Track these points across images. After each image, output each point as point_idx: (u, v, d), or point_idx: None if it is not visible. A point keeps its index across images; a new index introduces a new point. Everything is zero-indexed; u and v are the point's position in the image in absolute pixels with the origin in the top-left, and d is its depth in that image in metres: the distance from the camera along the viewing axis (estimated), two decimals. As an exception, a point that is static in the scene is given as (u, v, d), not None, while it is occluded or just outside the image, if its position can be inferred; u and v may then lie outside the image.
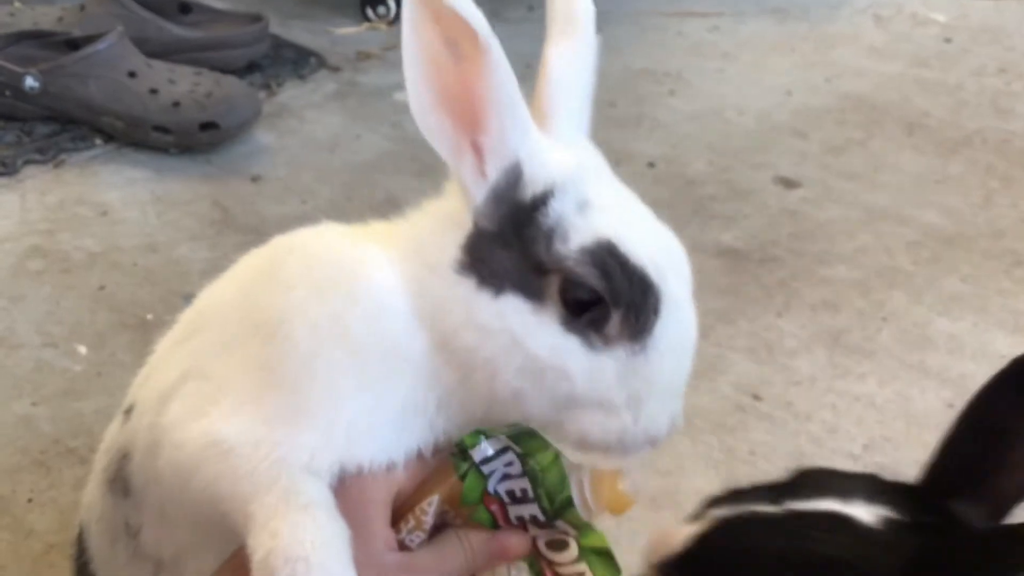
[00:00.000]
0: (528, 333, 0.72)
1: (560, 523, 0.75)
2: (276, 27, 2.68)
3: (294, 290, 0.76)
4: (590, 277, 0.71)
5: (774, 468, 1.47)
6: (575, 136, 0.79)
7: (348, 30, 2.86)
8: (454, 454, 0.76)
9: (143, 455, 0.83)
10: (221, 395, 0.76)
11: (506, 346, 0.72)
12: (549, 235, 0.72)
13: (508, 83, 0.70)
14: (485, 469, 0.74)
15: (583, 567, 0.77)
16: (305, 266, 0.78)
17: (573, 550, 0.77)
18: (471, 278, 0.73)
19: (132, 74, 2.16)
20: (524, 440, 0.75)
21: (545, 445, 0.75)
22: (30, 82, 2.16)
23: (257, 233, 1.93)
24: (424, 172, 2.11)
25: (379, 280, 0.76)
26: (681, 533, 0.81)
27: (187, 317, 0.88)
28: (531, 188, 0.73)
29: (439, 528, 0.77)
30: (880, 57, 2.90)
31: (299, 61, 2.65)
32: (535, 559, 0.79)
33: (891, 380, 1.66)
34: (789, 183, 2.25)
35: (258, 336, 0.76)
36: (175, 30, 2.42)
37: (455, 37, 0.70)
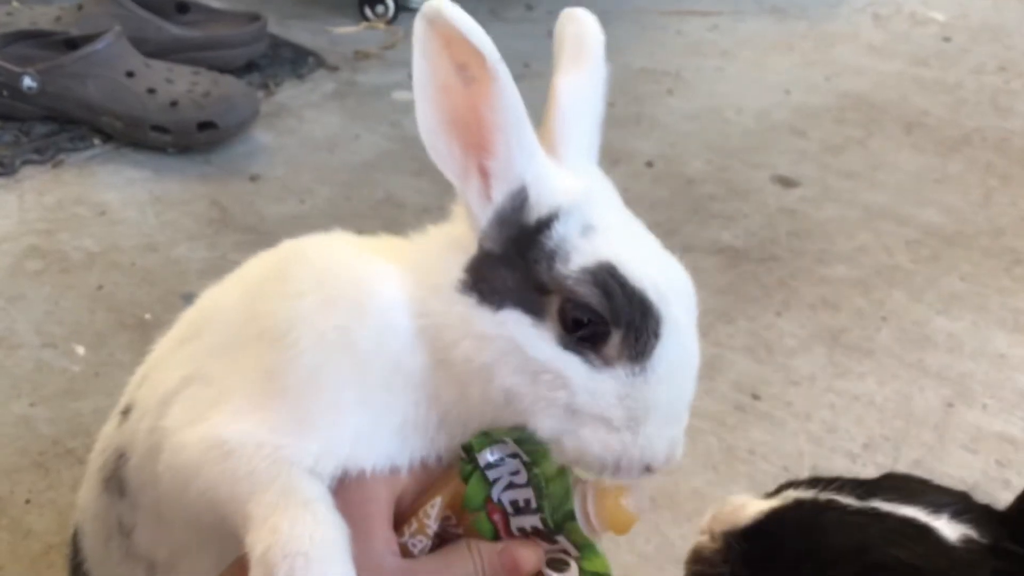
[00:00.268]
0: (527, 341, 0.72)
1: (561, 539, 0.74)
2: (274, 26, 2.68)
3: (303, 299, 0.76)
4: (590, 296, 0.71)
5: (773, 467, 1.48)
6: (584, 164, 0.79)
7: (346, 29, 2.85)
8: (460, 457, 0.75)
9: (142, 457, 0.82)
10: (223, 400, 0.76)
11: (504, 350, 0.72)
12: (551, 256, 0.72)
13: (515, 107, 0.71)
14: (490, 474, 0.74)
15: None
16: (315, 275, 0.77)
17: (573, 571, 0.76)
18: (472, 296, 0.73)
19: (130, 74, 2.16)
20: (530, 445, 0.74)
21: (551, 452, 0.74)
22: (28, 82, 2.16)
23: (256, 233, 1.94)
24: (422, 171, 2.10)
25: (387, 296, 0.76)
26: (753, 506, 0.81)
27: (188, 317, 0.88)
28: (536, 211, 0.74)
29: (444, 540, 0.76)
30: (879, 56, 2.90)
31: (297, 60, 2.65)
32: None
33: (890, 379, 1.66)
34: (788, 182, 2.24)
35: (263, 342, 0.76)
36: (173, 30, 2.42)
37: (464, 61, 0.70)
